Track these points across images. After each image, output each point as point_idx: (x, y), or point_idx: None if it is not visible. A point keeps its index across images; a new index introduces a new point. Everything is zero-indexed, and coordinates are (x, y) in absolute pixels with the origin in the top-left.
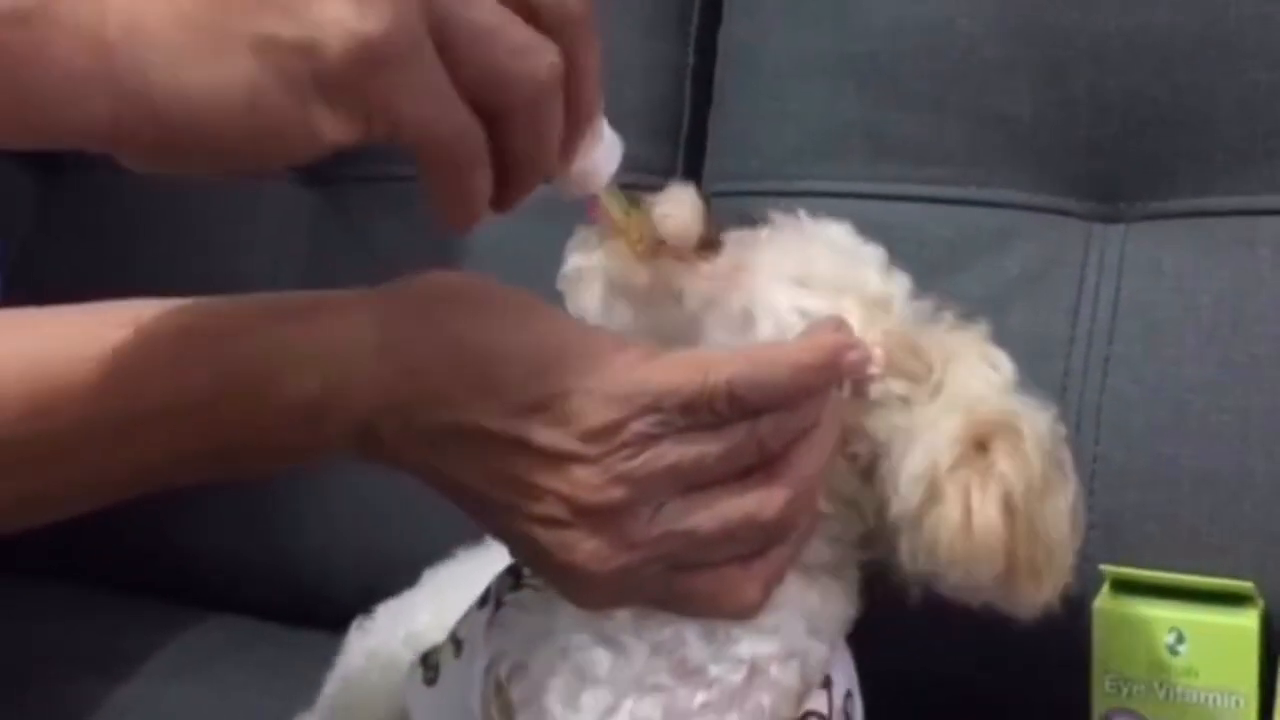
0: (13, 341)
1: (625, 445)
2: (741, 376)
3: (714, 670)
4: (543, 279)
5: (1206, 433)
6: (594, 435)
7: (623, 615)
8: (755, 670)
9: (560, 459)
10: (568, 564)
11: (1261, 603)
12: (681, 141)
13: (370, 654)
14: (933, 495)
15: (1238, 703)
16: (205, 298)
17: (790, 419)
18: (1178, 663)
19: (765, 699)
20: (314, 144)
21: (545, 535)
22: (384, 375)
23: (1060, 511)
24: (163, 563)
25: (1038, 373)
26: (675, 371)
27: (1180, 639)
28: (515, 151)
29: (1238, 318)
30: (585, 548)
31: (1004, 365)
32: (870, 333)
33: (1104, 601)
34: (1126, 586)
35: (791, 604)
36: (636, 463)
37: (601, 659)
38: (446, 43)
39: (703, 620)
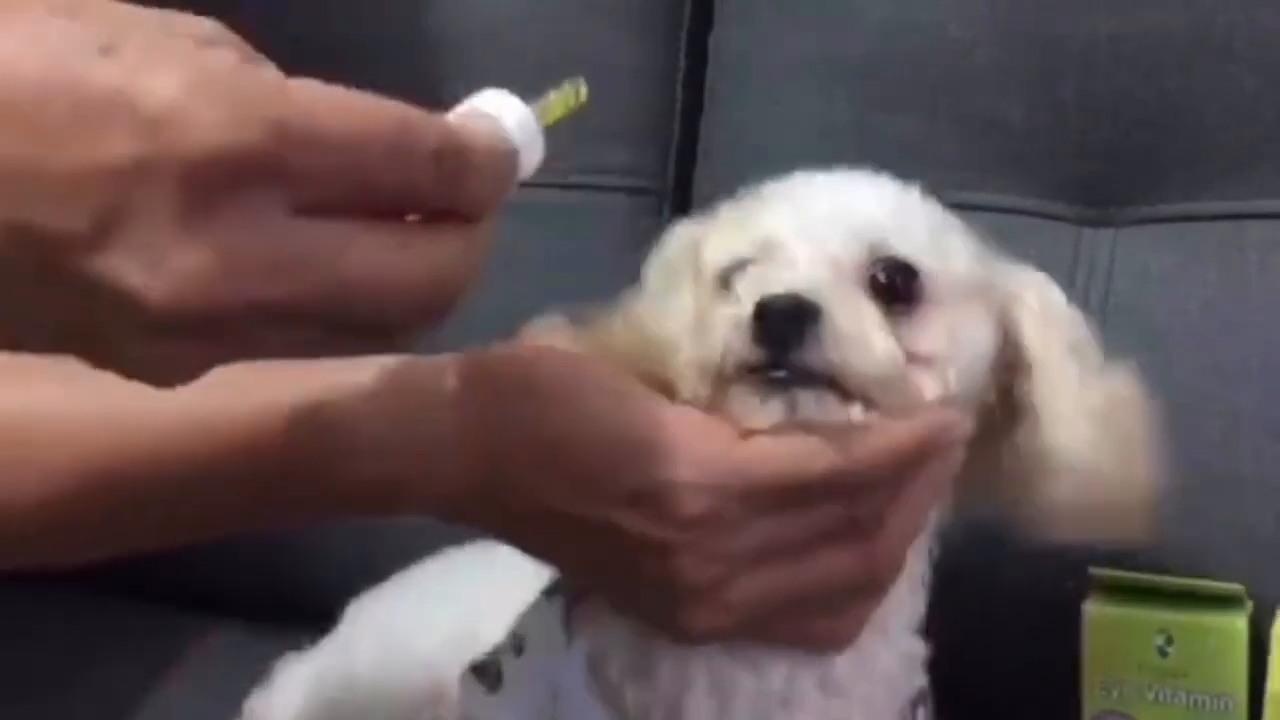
0: (74, 400)
1: (721, 529)
2: (839, 468)
3: (861, 687)
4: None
5: (1195, 436)
6: (690, 524)
7: None
8: (890, 678)
9: (659, 546)
10: (668, 624)
11: (1250, 604)
12: (673, 146)
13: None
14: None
15: (1227, 705)
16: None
17: (889, 490)
18: (1167, 665)
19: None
20: None
21: (644, 603)
22: (464, 466)
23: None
24: (161, 568)
25: None
26: (770, 460)
27: (1169, 641)
28: None
29: (1226, 322)
30: (684, 613)
31: (1084, 329)
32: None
33: (1094, 605)
34: (1116, 589)
35: (898, 615)
36: (733, 544)
37: (744, 679)
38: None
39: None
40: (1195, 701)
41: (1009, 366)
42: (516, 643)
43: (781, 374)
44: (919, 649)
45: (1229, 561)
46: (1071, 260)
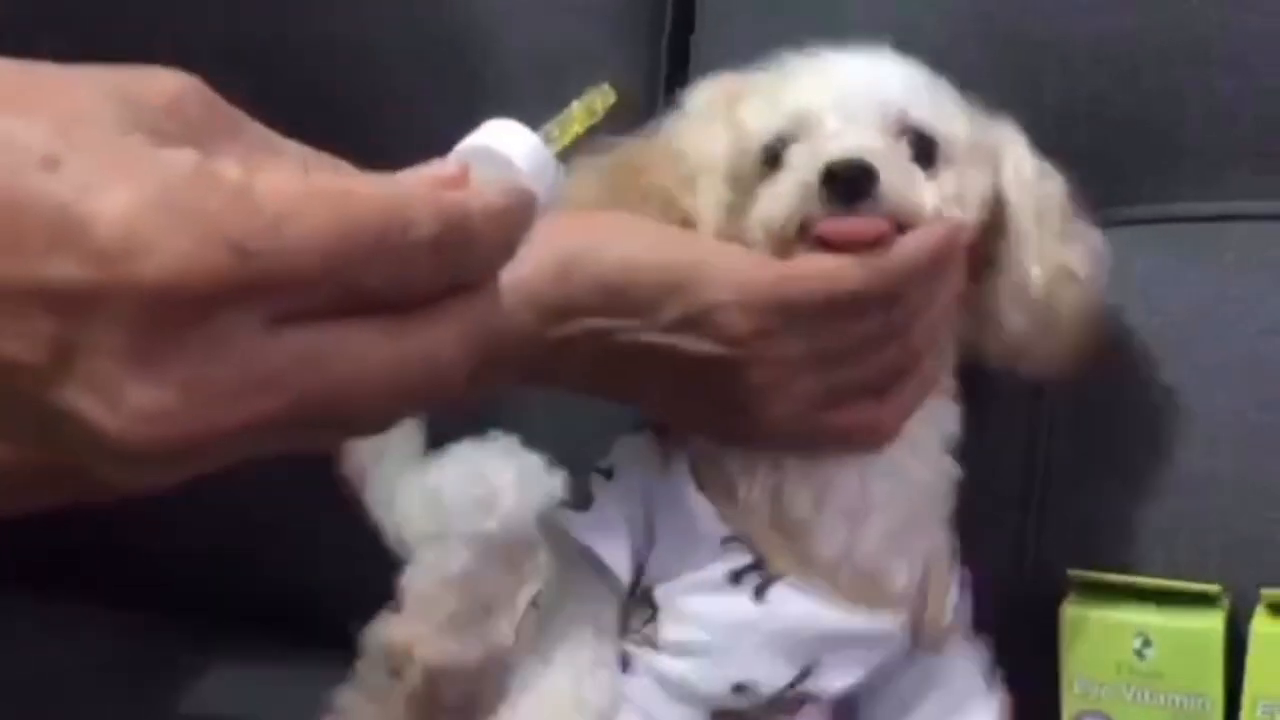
0: None
1: (772, 340)
2: (867, 284)
3: (917, 496)
4: None
5: (1175, 437)
6: (740, 340)
7: None
8: (932, 491)
9: (716, 361)
10: (739, 427)
11: (1227, 603)
12: None
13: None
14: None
15: (1204, 705)
16: None
17: (917, 300)
18: (1145, 666)
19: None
20: None
21: (716, 414)
22: (530, 327)
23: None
24: (131, 570)
25: (1007, 378)
26: (804, 282)
27: (1147, 643)
28: None
29: (1206, 324)
30: (753, 413)
31: (1056, 187)
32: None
33: (1071, 606)
34: (1094, 590)
35: (944, 429)
36: (785, 350)
37: (833, 473)
38: None
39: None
40: (1173, 702)
41: (992, 212)
42: (606, 470)
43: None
44: (954, 469)
45: (1207, 561)
46: None
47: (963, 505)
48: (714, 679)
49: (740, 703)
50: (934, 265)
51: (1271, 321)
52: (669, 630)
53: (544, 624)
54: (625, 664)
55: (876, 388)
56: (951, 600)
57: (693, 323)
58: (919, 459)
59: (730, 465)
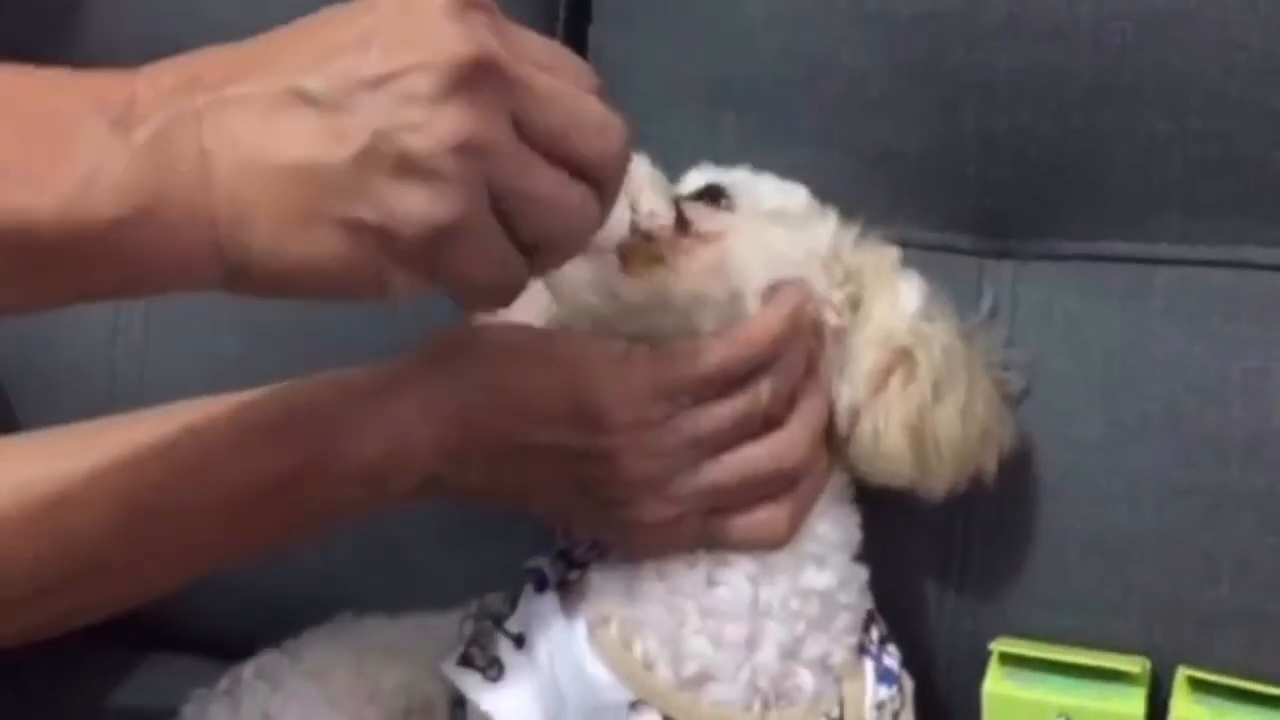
0: (90, 455)
1: (652, 430)
2: (729, 355)
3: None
4: None
5: (1095, 494)
6: (624, 429)
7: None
8: (826, 598)
9: (603, 453)
10: (624, 524)
11: (1149, 674)
12: None
13: None
14: (853, 422)
15: None
16: (264, 388)
17: (783, 376)
18: None
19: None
20: (384, 297)
21: (604, 510)
22: (437, 434)
23: (951, 418)
24: None
25: None
26: (675, 365)
27: None
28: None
29: (1129, 374)
30: (636, 509)
31: (912, 293)
32: (834, 292)
33: (993, 683)
34: (1015, 663)
35: (829, 536)
36: (664, 440)
37: (723, 594)
38: (505, 210)
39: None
40: None
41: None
42: (516, 637)
43: None
44: (862, 572)
45: (1128, 627)
46: (975, 294)
47: (879, 574)
48: None
49: None
50: (789, 329)
51: (1195, 377)
52: None
53: None
54: None
55: (767, 488)
56: (870, 697)
57: (579, 418)
58: (814, 565)
59: (621, 620)
